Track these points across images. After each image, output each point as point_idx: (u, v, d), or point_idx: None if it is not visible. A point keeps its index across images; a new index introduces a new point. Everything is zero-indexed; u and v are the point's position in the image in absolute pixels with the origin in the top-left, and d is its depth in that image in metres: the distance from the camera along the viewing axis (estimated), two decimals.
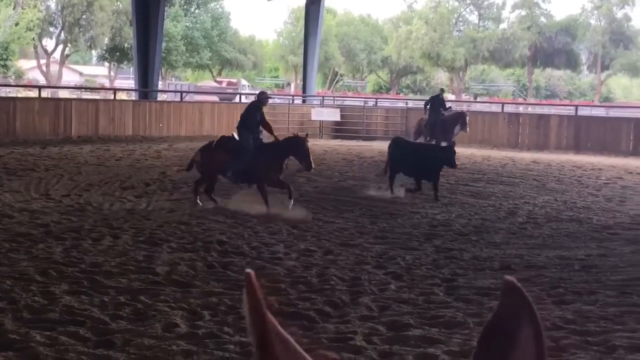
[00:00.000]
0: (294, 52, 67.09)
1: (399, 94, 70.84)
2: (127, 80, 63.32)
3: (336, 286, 7.95)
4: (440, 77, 75.15)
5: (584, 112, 34.93)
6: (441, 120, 22.55)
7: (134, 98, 30.87)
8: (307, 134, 13.29)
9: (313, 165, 12.75)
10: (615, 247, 10.46)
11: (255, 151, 12.81)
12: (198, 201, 12.90)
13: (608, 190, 16.67)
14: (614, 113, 36.03)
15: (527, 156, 24.67)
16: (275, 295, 7.50)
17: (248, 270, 0.90)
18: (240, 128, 13.27)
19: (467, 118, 22.74)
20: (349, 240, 10.45)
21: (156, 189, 14.71)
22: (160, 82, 46.03)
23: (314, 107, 31.46)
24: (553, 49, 63.74)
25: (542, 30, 63.88)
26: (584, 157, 24.61)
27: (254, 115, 13.21)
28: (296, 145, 12.71)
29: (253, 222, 11.57)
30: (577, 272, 8.94)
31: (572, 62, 65.39)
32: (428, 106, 23.23)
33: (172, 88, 54.10)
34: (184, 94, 34.27)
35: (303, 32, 37.48)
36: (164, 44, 44.87)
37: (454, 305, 7.39)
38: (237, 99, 36.52)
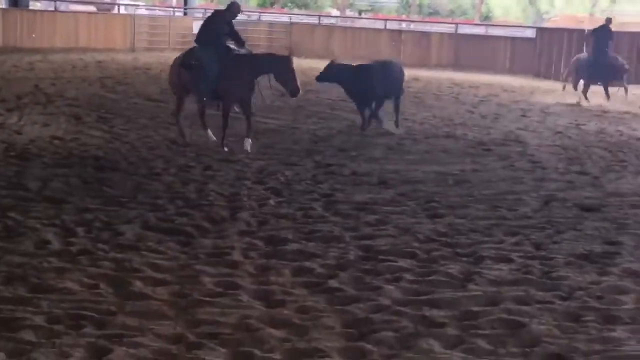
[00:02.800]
0: None
1: (283, 8, 69.97)
2: None
3: (215, 202, 7.92)
4: None
5: (464, 30, 35.51)
6: (608, 58, 18.41)
7: (3, 6, 29.21)
8: (291, 52, 11.01)
9: (300, 90, 10.78)
10: (488, 162, 10.83)
11: (224, 65, 10.82)
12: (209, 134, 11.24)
13: (484, 107, 17.15)
14: (492, 32, 36.78)
15: (408, 73, 24.87)
16: (153, 211, 7.41)
17: None
18: (198, 41, 11.27)
19: None
20: (229, 155, 10.38)
21: (29, 102, 14.12)
22: None
23: (195, 20, 30.65)
24: None
25: None
26: (463, 75, 25.12)
27: (218, 27, 11.11)
28: (279, 63, 10.71)
29: (131, 137, 11.31)
30: (451, 186, 9.22)
31: None
32: (589, 41, 18.96)
33: None
34: (58, 3, 32.69)
35: None
36: None
37: (332, 219, 7.50)
38: (115, 10, 35.15)
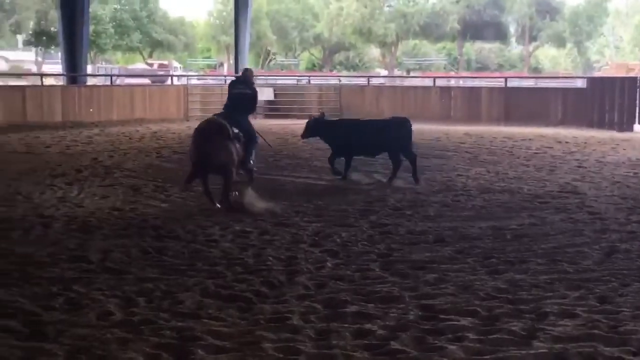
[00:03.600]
0: (225, 32, 66.49)
1: (332, 71, 70.90)
2: (55, 65, 61.89)
3: (273, 266, 7.94)
4: (373, 53, 75.48)
5: (513, 83, 35.48)
6: None
7: (62, 83, 30.21)
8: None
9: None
10: (545, 215, 10.68)
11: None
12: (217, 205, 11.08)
13: (538, 160, 17.00)
14: (542, 84, 36.72)
15: (459, 129, 24.97)
16: (212, 278, 7.47)
17: None
18: (233, 109, 11.86)
19: None
20: (285, 219, 10.43)
21: (88, 175, 14.45)
22: (89, 66, 45.19)
23: None
24: (482, 21, 64.57)
25: (470, 3, 64.58)
26: (515, 128, 25.02)
27: (230, 91, 12.26)
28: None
29: (189, 206, 11.46)
30: (510, 241, 9.11)
31: (501, 35, 66.41)
32: None
33: (101, 72, 53.11)
34: (114, 78, 33.73)
35: (233, 11, 37.12)
36: (91, 27, 44.01)
37: (390, 280, 7.45)
38: (169, 81, 36.07)
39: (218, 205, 11.04)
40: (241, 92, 12.08)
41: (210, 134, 10.99)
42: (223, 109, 12.11)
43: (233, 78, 35.85)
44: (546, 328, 5.94)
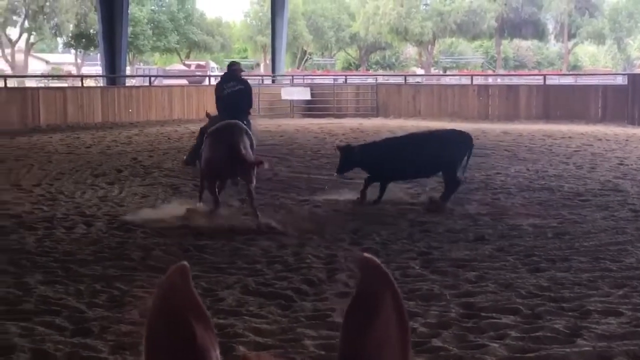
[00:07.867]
0: (261, 33, 66.75)
1: (369, 70, 70.80)
2: (94, 67, 62.64)
3: (312, 264, 7.96)
4: (409, 52, 75.24)
5: (552, 81, 35.13)
6: None
7: (101, 84, 30.59)
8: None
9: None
10: (586, 213, 10.56)
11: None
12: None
13: (578, 157, 16.81)
14: (582, 81, 36.29)
15: (497, 127, 24.78)
16: (252, 275, 7.50)
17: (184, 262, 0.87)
18: (230, 110, 11.06)
19: None
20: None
21: (128, 175, 14.60)
22: (128, 68, 45.69)
23: (283, 87, 31.35)
24: (520, 19, 64.00)
25: (508, 1, 64.04)
26: (554, 126, 24.77)
27: (221, 91, 11.37)
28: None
29: (226, 204, 11.51)
30: (551, 239, 9.02)
31: (539, 32, 65.75)
32: None
33: (140, 73, 53.63)
34: (152, 79, 34.04)
35: (270, 12, 37.28)
36: (130, 29, 44.41)
37: (430, 277, 7.43)
38: (206, 82, 36.32)
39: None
40: (234, 90, 11.36)
41: None
42: (218, 112, 11.33)
43: (269, 78, 35.90)
44: (590, 326, 5.87)
